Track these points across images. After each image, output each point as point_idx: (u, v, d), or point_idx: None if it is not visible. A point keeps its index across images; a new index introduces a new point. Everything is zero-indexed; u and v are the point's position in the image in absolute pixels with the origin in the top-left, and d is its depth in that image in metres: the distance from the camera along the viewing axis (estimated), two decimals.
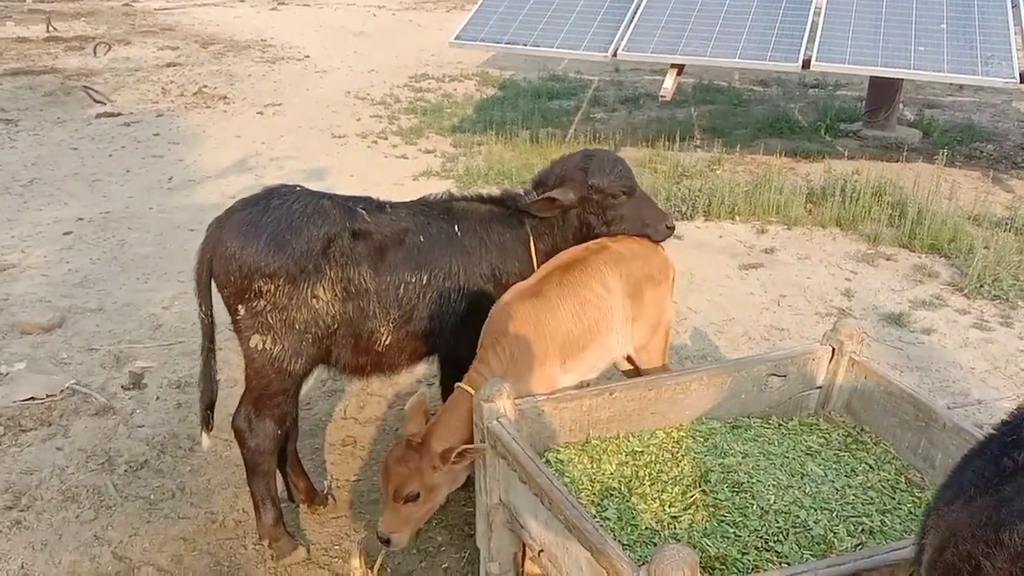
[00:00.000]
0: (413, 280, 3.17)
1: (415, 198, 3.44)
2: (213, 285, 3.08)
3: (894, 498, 2.79)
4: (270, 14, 16.58)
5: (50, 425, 4.15)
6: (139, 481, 3.79)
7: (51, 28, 14.06)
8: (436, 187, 7.56)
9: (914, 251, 6.32)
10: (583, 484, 2.79)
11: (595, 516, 2.60)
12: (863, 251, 6.33)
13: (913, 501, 2.77)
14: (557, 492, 2.41)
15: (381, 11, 17.04)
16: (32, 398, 4.33)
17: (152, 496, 3.71)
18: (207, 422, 3.26)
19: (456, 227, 3.30)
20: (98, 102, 10.28)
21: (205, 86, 11.20)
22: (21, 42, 13.38)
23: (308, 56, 13.09)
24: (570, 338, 3.14)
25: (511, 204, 3.47)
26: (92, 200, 7.34)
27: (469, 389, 2.96)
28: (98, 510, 3.61)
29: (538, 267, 3.34)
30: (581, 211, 3.46)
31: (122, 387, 4.50)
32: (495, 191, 3.58)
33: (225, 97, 10.77)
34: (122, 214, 7.03)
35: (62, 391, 4.41)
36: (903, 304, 5.54)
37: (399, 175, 7.97)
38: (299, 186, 3.19)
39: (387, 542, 2.97)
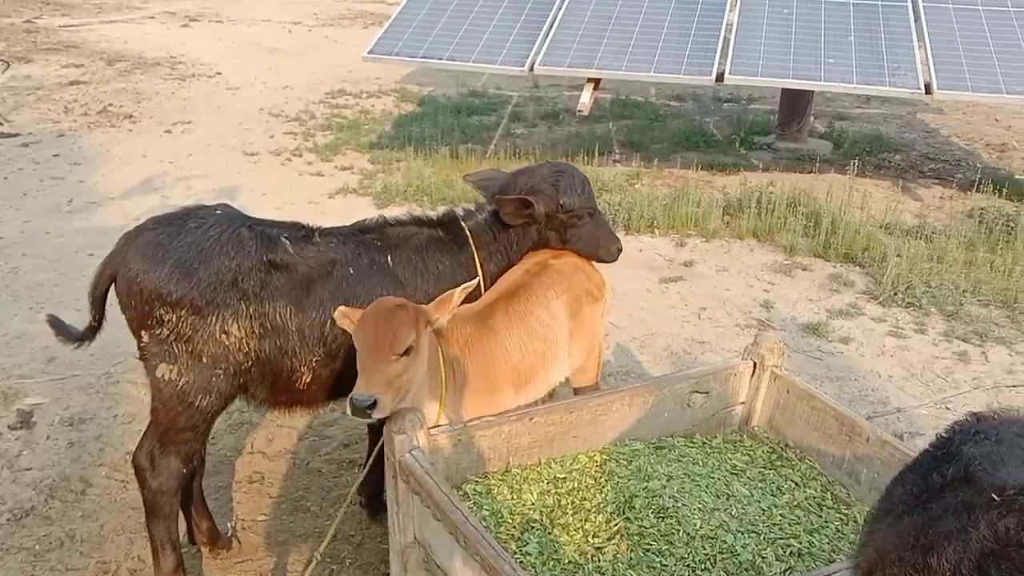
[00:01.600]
0: None
1: (349, 223, 3.17)
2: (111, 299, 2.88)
3: (821, 516, 2.73)
4: (181, 31, 16.02)
5: None
6: (23, 530, 3.48)
7: None
8: (353, 204, 7.39)
9: (829, 260, 6.40)
10: (503, 517, 2.64)
11: (515, 552, 2.47)
12: (780, 262, 6.38)
13: (840, 519, 2.72)
14: (472, 530, 2.26)
15: (297, 27, 16.66)
16: None
17: (37, 546, 3.40)
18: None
19: (388, 257, 3.07)
20: None
21: (110, 104, 10.72)
22: None
23: (220, 73, 12.67)
24: (519, 370, 3.00)
25: (450, 226, 3.24)
26: None
27: None
28: None
29: (487, 290, 3.17)
30: (543, 227, 3.28)
31: (8, 427, 4.16)
32: (435, 213, 3.33)
33: (131, 116, 10.32)
34: (16, 239, 6.61)
35: None
36: (821, 314, 5.58)
37: (315, 193, 7.73)
38: (222, 207, 2.94)
39: (371, 407, 2.40)
